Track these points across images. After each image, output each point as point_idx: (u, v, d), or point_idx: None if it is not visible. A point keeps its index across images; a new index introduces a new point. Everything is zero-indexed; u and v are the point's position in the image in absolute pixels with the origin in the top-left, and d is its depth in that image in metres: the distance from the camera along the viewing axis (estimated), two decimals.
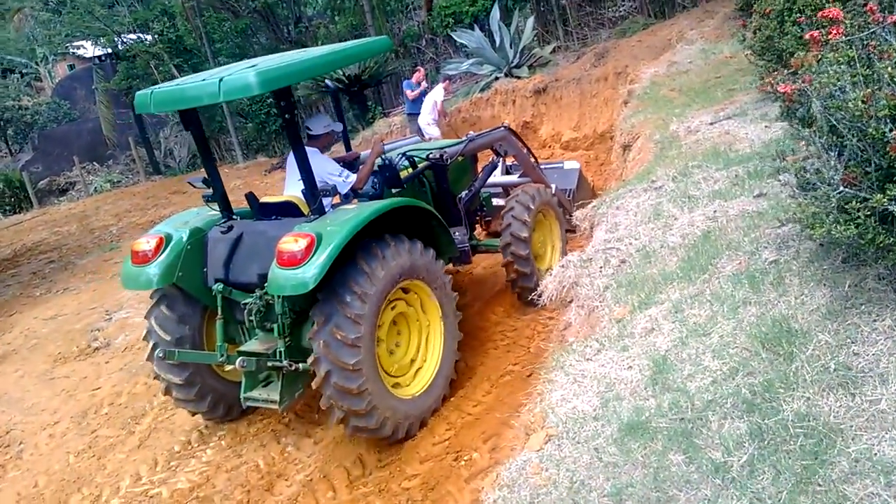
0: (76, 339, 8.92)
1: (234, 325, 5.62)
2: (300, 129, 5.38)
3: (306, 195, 5.35)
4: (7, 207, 23.38)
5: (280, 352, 5.12)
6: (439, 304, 5.67)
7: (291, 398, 5.35)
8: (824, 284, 3.01)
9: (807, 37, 2.87)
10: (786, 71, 3.09)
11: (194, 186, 5.84)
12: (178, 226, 5.64)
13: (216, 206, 5.79)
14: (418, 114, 12.75)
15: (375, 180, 6.13)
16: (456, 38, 16.52)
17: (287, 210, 5.64)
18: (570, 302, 4.54)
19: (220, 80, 4.61)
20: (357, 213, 5.04)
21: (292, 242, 4.70)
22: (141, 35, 21.47)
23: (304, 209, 5.56)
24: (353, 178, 5.84)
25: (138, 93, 5.17)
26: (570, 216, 7.39)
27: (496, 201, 7.96)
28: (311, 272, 4.58)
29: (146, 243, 5.42)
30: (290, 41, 20.27)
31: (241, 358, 5.11)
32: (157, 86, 5.27)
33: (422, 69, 13.86)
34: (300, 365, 5.07)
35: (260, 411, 6.33)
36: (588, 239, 5.51)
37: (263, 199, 5.84)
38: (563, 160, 9.92)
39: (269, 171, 17.93)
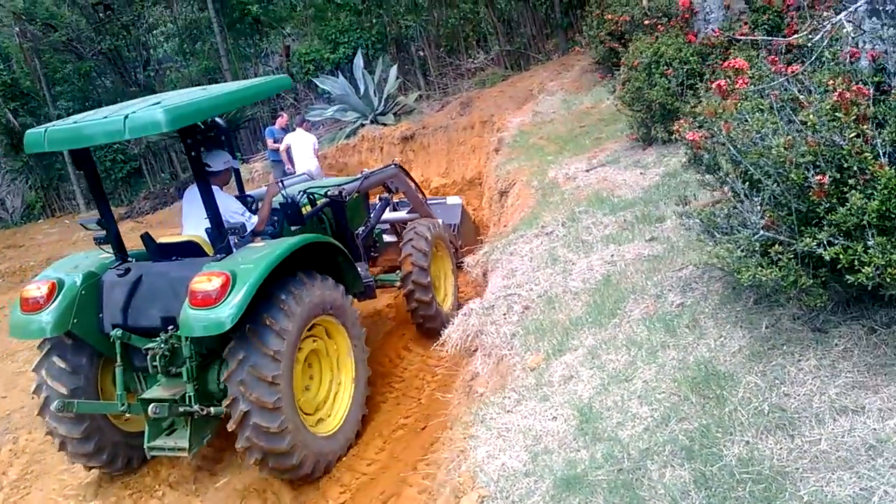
0: None
1: (129, 372, 5.37)
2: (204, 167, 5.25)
3: (211, 234, 5.22)
4: None
5: (189, 396, 4.92)
6: (349, 339, 5.64)
7: (200, 443, 5.16)
8: (741, 326, 3.08)
9: (713, 86, 2.97)
10: (693, 119, 3.17)
11: (87, 228, 5.53)
12: (68, 270, 5.38)
13: (109, 249, 5.55)
14: (279, 160, 12.40)
15: (275, 218, 6.07)
16: (319, 84, 16.36)
17: (188, 250, 5.44)
18: (475, 351, 4.43)
19: (126, 117, 4.46)
20: (270, 250, 4.98)
21: (206, 282, 4.59)
22: None
23: (207, 249, 5.40)
24: (255, 218, 5.77)
25: (29, 131, 4.91)
26: (457, 250, 7.67)
27: (386, 238, 8.08)
28: (227, 311, 4.49)
29: (37, 290, 5.15)
30: (139, 85, 19.31)
31: (153, 405, 4.84)
32: (50, 123, 5.01)
33: (284, 115, 13.54)
34: (212, 409, 4.91)
35: (132, 484, 5.74)
36: (483, 286, 5.46)
37: (161, 240, 5.61)
38: (446, 196, 10.11)
39: (118, 219, 16.80)
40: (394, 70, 16.41)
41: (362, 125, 15.57)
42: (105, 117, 4.68)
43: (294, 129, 11.80)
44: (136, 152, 19.40)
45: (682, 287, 3.74)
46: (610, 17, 11.11)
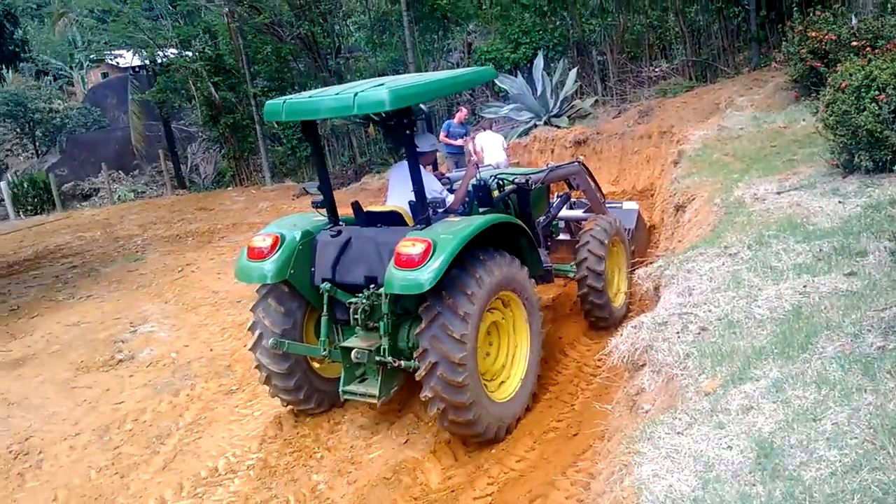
0: (99, 349, 8.74)
1: (330, 323, 5.98)
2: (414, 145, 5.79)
3: (414, 206, 5.85)
4: (29, 208, 23.35)
5: (384, 348, 5.53)
6: (528, 317, 6.04)
7: (388, 393, 5.75)
8: None
9: None
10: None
11: (308, 192, 6.49)
12: (289, 227, 6.07)
13: (324, 212, 6.26)
14: (455, 152, 12.74)
15: (466, 199, 6.55)
16: (498, 82, 16.54)
17: (391, 219, 6.09)
18: (643, 366, 4.34)
19: (355, 94, 5.08)
20: (466, 224, 5.49)
21: (411, 246, 5.14)
22: (182, 51, 21.61)
23: (408, 219, 6.03)
24: (451, 196, 6.36)
25: (269, 102, 5.65)
26: (631, 255, 7.98)
27: (560, 236, 8.50)
28: (426, 274, 5.03)
29: (262, 241, 5.85)
30: (329, 70, 20.39)
31: (355, 350, 5.57)
32: (289, 96, 5.76)
33: (464, 109, 13.77)
34: (402, 362, 5.52)
35: (293, 443, 6.15)
36: (654, 301, 5.32)
37: (368, 208, 6.34)
38: (622, 200, 10.17)
39: (296, 195, 17.84)
40: (573, 73, 16.32)
41: (535, 126, 15.61)
42: (337, 94, 5.32)
43: (483, 131, 12.13)
44: (320, 133, 20.50)
45: (884, 329, 3.47)
46: (814, 34, 10.46)
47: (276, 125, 21.82)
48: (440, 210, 6.03)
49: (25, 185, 23.96)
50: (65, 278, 12.41)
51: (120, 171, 27.96)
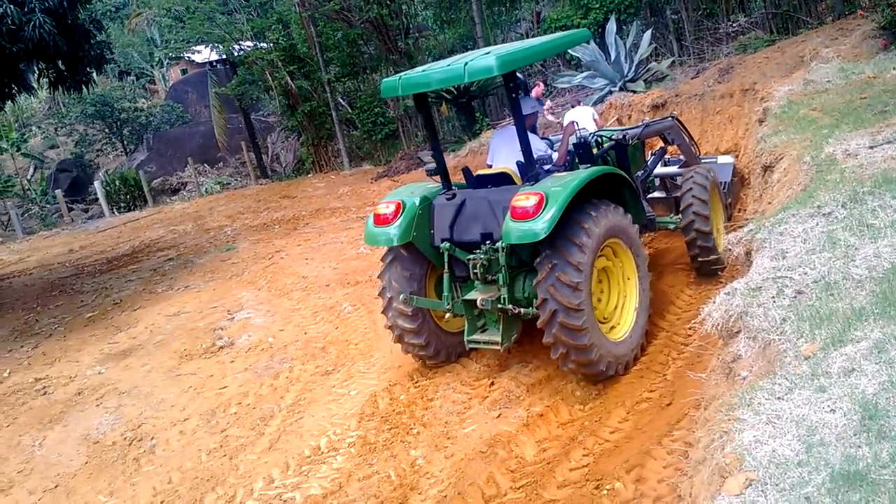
0: (200, 337, 9.18)
1: (452, 279, 6.46)
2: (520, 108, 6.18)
3: (521, 165, 6.27)
4: (123, 205, 24.52)
5: (504, 298, 5.99)
6: (635, 262, 6.43)
7: (509, 340, 6.21)
8: None
9: None
10: None
11: (423, 161, 7.24)
12: (408, 194, 6.59)
13: (437, 179, 6.79)
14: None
15: (568, 157, 6.92)
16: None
17: (500, 180, 6.48)
18: (737, 333, 4.28)
19: (465, 63, 5.60)
20: (574, 177, 5.87)
21: (525, 199, 5.56)
22: (257, 42, 22.14)
23: (516, 179, 6.42)
24: (555, 154, 6.84)
25: (385, 80, 6.21)
26: (727, 208, 8.23)
27: (655, 194, 8.75)
28: (541, 225, 5.45)
29: (386, 207, 6.39)
30: (399, 52, 20.48)
31: (481, 298, 5.99)
32: (403, 73, 6.30)
33: (541, 84, 13.63)
34: (522, 310, 5.97)
35: (390, 420, 6.35)
36: (745, 266, 5.22)
37: (478, 172, 6.80)
38: (717, 155, 10.19)
39: (375, 178, 18.12)
40: (647, 35, 15.89)
41: (610, 92, 15.30)
42: (448, 65, 5.83)
43: (571, 108, 12.03)
44: (394, 115, 20.71)
45: None
46: None
47: (350, 110, 22.19)
48: (546, 167, 6.44)
49: (117, 183, 25.16)
50: (162, 271, 13.04)
51: (205, 165, 29.02)
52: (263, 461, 6.23)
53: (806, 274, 4.28)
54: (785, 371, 3.50)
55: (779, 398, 3.30)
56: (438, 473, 5.55)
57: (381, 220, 6.34)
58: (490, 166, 6.99)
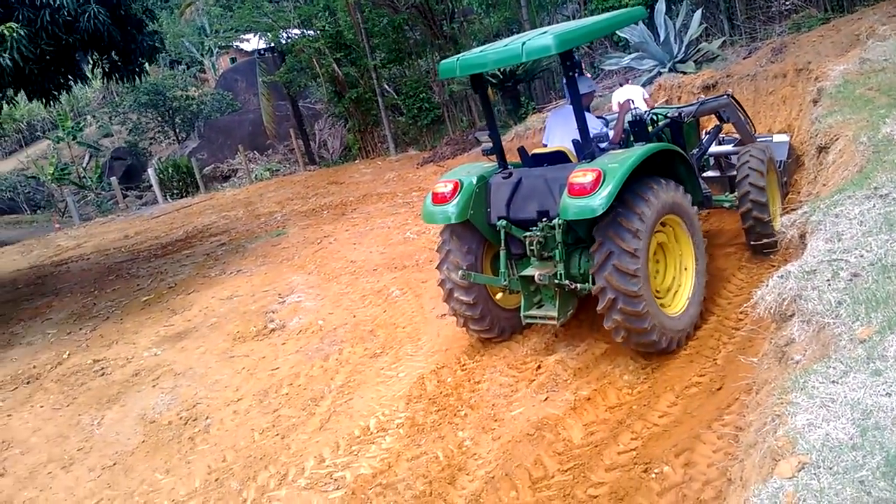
0: (252, 320, 9.37)
1: (508, 256, 6.53)
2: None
3: (577, 143, 6.25)
4: (176, 191, 25.10)
5: (560, 274, 6.04)
6: (691, 238, 6.43)
7: (565, 315, 6.28)
8: None
9: None
10: None
11: (479, 140, 7.56)
12: (465, 174, 6.65)
13: (494, 159, 6.85)
14: None
15: (623, 134, 6.90)
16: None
17: (556, 158, 6.50)
18: (791, 316, 4.21)
19: (523, 43, 5.62)
20: (630, 153, 5.86)
21: (582, 176, 5.58)
22: (304, 30, 22.35)
23: (572, 157, 6.40)
24: (611, 132, 6.80)
25: (443, 62, 6.29)
26: (784, 186, 8.22)
27: (709, 173, 8.65)
28: (598, 201, 5.47)
29: (444, 186, 6.47)
30: (444, 36, 20.47)
31: (538, 273, 6.04)
32: (461, 54, 6.33)
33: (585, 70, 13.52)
34: (578, 286, 6.04)
35: (437, 402, 6.41)
36: (799, 249, 5.12)
37: (534, 151, 6.78)
38: (772, 134, 10.08)
39: (420, 164, 18.18)
40: (697, 15, 15.57)
41: (659, 73, 15.08)
42: (506, 45, 5.84)
43: (620, 87, 11.92)
44: (439, 101, 20.72)
45: None
46: None
47: (395, 96, 22.27)
48: (601, 145, 6.45)
49: (170, 171, 25.75)
50: (215, 255, 13.33)
51: (255, 152, 29.47)
52: (314, 441, 6.36)
53: (862, 256, 4.19)
54: (840, 354, 3.44)
55: (833, 382, 3.25)
56: (486, 455, 5.59)
57: (438, 199, 6.45)
58: (545, 146, 7.00)
